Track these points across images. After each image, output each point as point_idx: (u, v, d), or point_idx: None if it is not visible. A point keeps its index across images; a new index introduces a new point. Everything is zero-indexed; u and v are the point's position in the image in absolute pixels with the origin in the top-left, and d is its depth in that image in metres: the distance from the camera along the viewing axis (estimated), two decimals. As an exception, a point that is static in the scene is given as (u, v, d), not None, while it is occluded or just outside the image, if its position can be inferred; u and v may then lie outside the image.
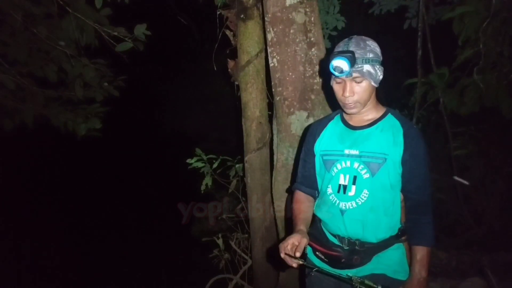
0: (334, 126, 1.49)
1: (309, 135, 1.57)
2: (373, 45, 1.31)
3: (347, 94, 1.32)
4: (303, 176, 1.58)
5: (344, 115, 1.47)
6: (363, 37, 1.33)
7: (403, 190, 1.38)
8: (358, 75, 1.28)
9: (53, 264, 4.75)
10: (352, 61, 1.25)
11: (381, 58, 1.33)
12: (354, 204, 1.36)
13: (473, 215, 4.20)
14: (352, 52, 1.26)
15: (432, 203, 1.38)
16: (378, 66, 1.31)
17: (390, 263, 1.38)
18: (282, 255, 1.25)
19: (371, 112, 1.40)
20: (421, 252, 1.35)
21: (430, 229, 1.35)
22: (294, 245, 1.26)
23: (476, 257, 3.39)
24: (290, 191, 1.72)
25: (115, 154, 8.51)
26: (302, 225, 1.40)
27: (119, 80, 3.60)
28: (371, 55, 1.29)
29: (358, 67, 1.27)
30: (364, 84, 1.31)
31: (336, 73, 1.27)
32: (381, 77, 1.34)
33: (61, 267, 4.68)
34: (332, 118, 1.52)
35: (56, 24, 3.06)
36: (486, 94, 3.07)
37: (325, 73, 2.21)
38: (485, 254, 3.37)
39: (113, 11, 3.00)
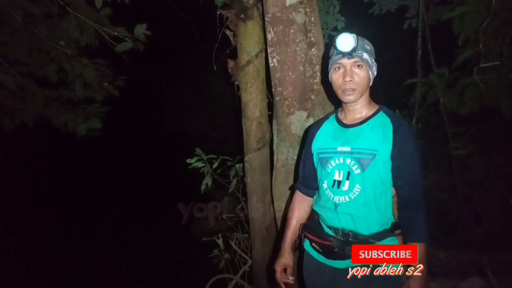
0: (329, 125, 1.55)
1: (307, 136, 1.64)
2: (368, 41, 1.41)
3: (347, 78, 1.37)
4: (303, 176, 1.66)
5: (339, 114, 1.53)
6: None
7: (394, 187, 1.41)
8: (358, 60, 1.36)
9: (53, 263, 4.75)
10: (356, 41, 1.33)
11: (374, 57, 1.41)
12: (347, 198, 1.40)
13: (473, 215, 4.20)
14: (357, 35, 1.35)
15: (424, 200, 1.38)
16: (373, 61, 1.40)
17: None
18: (278, 276, 1.58)
19: (364, 110, 1.44)
20: (419, 248, 1.33)
21: (424, 226, 1.35)
22: (283, 268, 1.58)
23: (476, 257, 3.39)
24: (292, 189, 1.79)
25: (115, 154, 8.51)
26: (289, 239, 1.61)
27: (119, 80, 3.60)
28: (368, 47, 1.39)
29: (358, 53, 1.36)
30: (364, 71, 1.37)
31: (341, 49, 1.34)
32: (375, 73, 1.41)
33: (61, 266, 4.68)
34: (328, 118, 1.58)
35: (56, 24, 3.05)
36: (486, 94, 3.08)
37: (325, 71, 2.24)
38: (485, 254, 3.37)
39: (113, 11, 3.00)
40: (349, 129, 1.45)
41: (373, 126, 1.40)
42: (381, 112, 1.43)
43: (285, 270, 1.60)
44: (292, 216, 1.65)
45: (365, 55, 1.37)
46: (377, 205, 1.38)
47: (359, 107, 1.44)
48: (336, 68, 1.41)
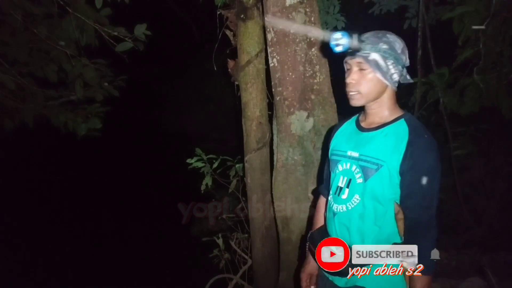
0: (347, 126, 1.45)
1: (329, 135, 1.56)
2: (393, 39, 1.23)
3: (348, 80, 1.26)
4: (326, 179, 1.57)
5: (360, 116, 1.42)
6: (389, 32, 1.25)
7: (402, 206, 1.25)
8: (362, 61, 1.22)
9: (53, 264, 4.75)
10: (352, 38, 1.18)
11: (402, 56, 1.24)
12: (344, 208, 1.31)
13: (473, 215, 4.20)
14: (358, 34, 1.21)
15: (435, 225, 1.21)
16: (391, 62, 1.22)
17: (377, 278, 1.26)
18: (303, 285, 1.53)
19: (384, 115, 1.29)
20: (420, 281, 1.20)
21: (429, 255, 1.19)
22: (309, 277, 1.54)
23: (476, 257, 3.39)
24: (316, 193, 1.71)
25: (115, 154, 8.52)
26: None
27: (119, 80, 3.60)
28: (384, 46, 1.21)
29: (364, 53, 1.21)
30: (370, 74, 1.23)
31: (335, 48, 1.20)
32: (395, 76, 1.24)
33: (62, 267, 4.68)
34: (350, 118, 1.48)
35: (56, 24, 3.05)
36: (486, 94, 3.08)
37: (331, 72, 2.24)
38: (485, 254, 3.38)
39: (113, 11, 3.00)
40: (364, 133, 1.33)
41: (387, 133, 1.25)
42: (401, 120, 1.26)
43: (310, 277, 1.53)
44: (315, 223, 1.57)
45: (374, 56, 1.21)
46: (377, 220, 1.26)
47: (377, 111, 1.30)
48: (346, 67, 1.30)
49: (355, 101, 1.29)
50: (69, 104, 3.56)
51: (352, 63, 1.26)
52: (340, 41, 1.19)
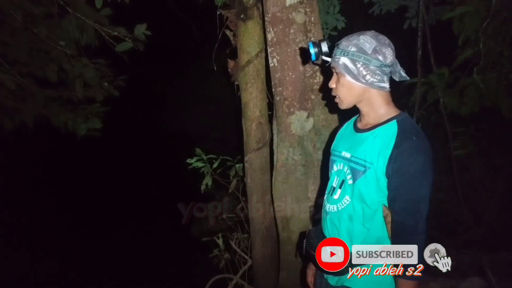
0: (347, 127, 1.47)
1: (332, 135, 1.62)
2: (364, 40, 1.20)
3: (329, 85, 1.33)
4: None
5: (358, 117, 1.41)
6: (368, 32, 1.23)
7: (390, 209, 1.24)
8: (333, 66, 1.27)
9: (53, 264, 4.75)
10: (318, 47, 1.30)
11: (375, 56, 1.19)
12: (335, 208, 1.34)
13: (473, 215, 4.21)
14: (327, 42, 1.30)
15: (423, 231, 1.19)
16: (361, 63, 1.20)
17: (366, 279, 1.26)
18: (309, 280, 1.59)
19: (378, 116, 1.27)
20: (406, 285, 1.20)
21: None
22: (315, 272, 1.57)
23: (476, 257, 3.39)
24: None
25: (115, 154, 8.52)
26: None
27: (119, 80, 3.60)
28: (353, 49, 1.20)
29: (335, 58, 1.25)
30: (342, 78, 1.25)
31: (312, 57, 1.33)
32: (368, 77, 1.21)
33: (61, 267, 4.68)
34: (350, 119, 1.49)
35: (56, 24, 3.06)
36: (486, 94, 3.08)
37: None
38: (485, 254, 3.37)
39: (113, 11, 3.00)
40: (358, 134, 1.33)
41: (377, 135, 1.23)
42: (393, 121, 1.22)
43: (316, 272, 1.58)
44: None
45: (343, 60, 1.22)
46: (365, 222, 1.26)
47: (368, 112, 1.30)
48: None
49: (339, 105, 1.33)
50: (69, 104, 3.56)
51: (332, 69, 1.31)
52: (311, 50, 1.30)
